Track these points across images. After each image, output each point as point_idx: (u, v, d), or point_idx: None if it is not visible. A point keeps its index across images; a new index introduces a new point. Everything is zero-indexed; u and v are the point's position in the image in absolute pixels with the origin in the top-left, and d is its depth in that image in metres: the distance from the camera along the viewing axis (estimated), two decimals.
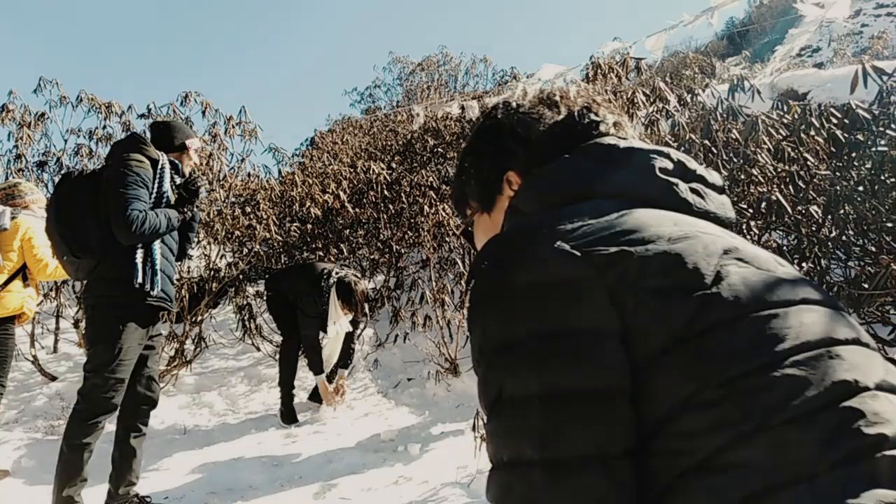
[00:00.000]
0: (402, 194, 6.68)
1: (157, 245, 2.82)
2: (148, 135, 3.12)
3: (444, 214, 5.83)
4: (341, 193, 6.42)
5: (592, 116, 0.92)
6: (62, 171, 5.58)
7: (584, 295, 0.64)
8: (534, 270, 0.67)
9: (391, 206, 6.66)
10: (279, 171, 7.81)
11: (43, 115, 5.61)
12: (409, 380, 5.16)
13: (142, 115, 5.83)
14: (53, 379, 4.90)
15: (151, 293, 2.75)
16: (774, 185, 2.28)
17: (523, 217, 0.85)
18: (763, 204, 1.94)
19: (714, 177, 0.88)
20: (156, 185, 2.84)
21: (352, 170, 7.82)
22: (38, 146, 5.66)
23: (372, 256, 6.61)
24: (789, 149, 2.39)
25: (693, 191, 0.83)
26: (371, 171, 6.84)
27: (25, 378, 4.93)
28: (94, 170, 2.97)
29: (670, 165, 0.83)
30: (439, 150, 8.60)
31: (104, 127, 5.74)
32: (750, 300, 0.63)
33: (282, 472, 3.47)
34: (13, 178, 5.37)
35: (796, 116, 2.36)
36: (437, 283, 5.75)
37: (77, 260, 2.79)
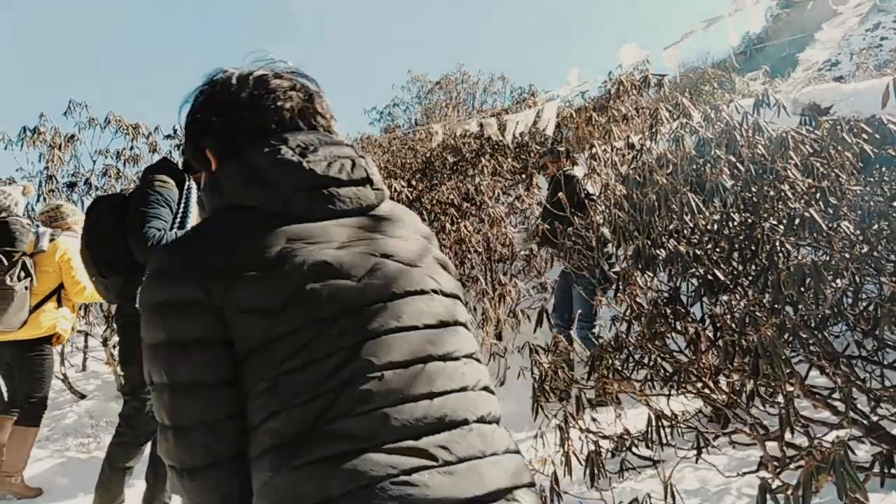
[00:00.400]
0: (424, 212, 6.71)
1: None
2: (178, 157, 3.21)
3: (465, 231, 5.85)
4: None
5: (285, 114, 1.01)
6: (91, 192, 5.71)
7: (195, 313, 0.86)
8: (164, 292, 0.88)
9: None
10: None
11: (73, 136, 5.76)
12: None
13: (168, 136, 5.96)
14: (83, 397, 4.96)
15: None
16: (804, 202, 2.26)
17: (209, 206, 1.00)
18: (797, 221, 1.94)
19: (356, 172, 0.98)
20: (181, 206, 2.85)
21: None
22: (67, 167, 5.80)
23: None
24: (818, 164, 2.38)
25: (323, 197, 0.94)
26: (392, 189, 6.89)
27: (56, 396, 4.99)
28: (123, 192, 3.01)
29: (308, 177, 0.94)
30: (459, 167, 8.65)
31: (131, 148, 5.87)
32: (308, 315, 0.85)
33: None
34: (45, 199, 5.51)
35: (825, 132, 2.35)
36: None
37: (105, 280, 2.81)
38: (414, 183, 7.62)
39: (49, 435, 4.34)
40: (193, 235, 0.94)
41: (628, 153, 3.54)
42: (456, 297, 1.02)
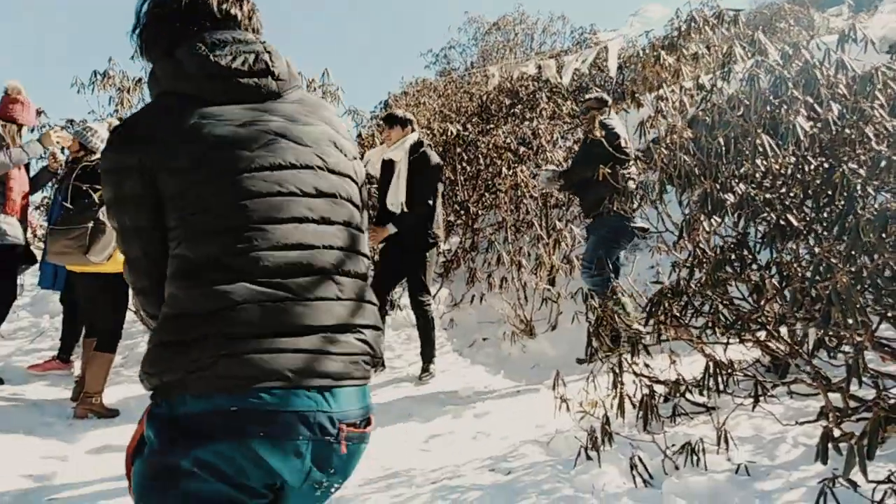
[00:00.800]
0: (479, 156, 6.64)
1: None
2: None
3: (521, 176, 5.77)
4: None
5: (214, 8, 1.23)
6: None
7: (132, 175, 1.09)
8: (110, 160, 1.14)
9: (468, 168, 6.65)
10: (359, 134, 7.91)
11: (140, 80, 5.88)
12: (484, 339, 5.23)
13: None
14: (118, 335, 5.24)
15: None
16: (889, 144, 2.13)
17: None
18: (882, 164, 1.83)
19: (257, 65, 1.19)
20: None
21: (428, 132, 7.83)
22: (135, 109, 5.96)
23: (448, 218, 6.65)
24: None
25: (227, 84, 1.16)
26: (448, 133, 6.83)
27: (128, 326, 5.30)
28: None
29: (213, 67, 1.15)
30: (515, 110, 8.46)
31: None
32: (209, 175, 1.08)
33: None
34: None
35: None
36: (513, 245, 5.74)
37: None
38: (470, 127, 7.51)
39: (123, 363, 4.63)
40: (133, 117, 1.19)
41: (697, 94, 3.37)
42: (346, 175, 1.24)
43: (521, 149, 6.38)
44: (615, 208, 3.99)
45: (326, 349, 1.07)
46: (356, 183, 1.27)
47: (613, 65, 4.35)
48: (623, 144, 4.29)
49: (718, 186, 2.43)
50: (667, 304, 2.71)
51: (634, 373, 2.78)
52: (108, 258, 3.46)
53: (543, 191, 5.75)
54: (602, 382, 2.91)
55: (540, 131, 6.52)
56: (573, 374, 4.11)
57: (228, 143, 1.10)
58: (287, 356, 1.03)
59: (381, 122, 4.94)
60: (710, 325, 2.65)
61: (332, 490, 1.14)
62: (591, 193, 4.26)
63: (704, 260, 2.54)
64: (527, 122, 7.50)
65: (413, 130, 4.52)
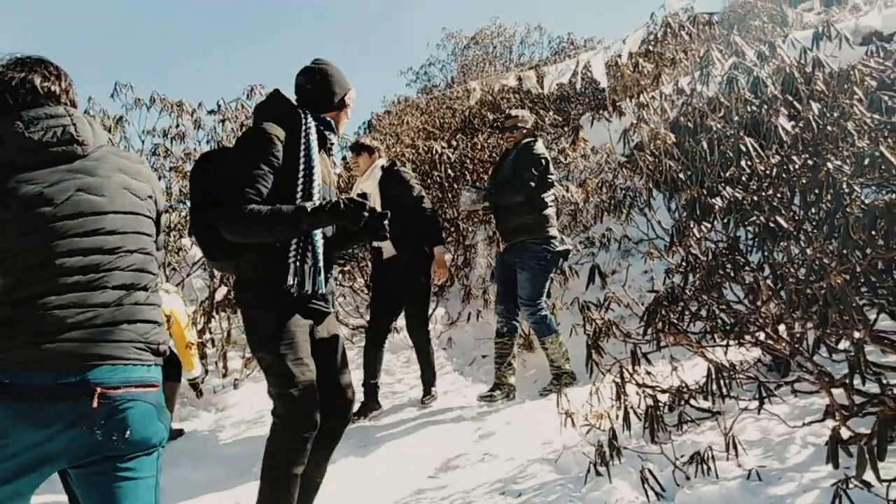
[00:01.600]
0: (466, 172, 6.65)
1: (318, 234, 2.34)
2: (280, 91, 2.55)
3: None
4: None
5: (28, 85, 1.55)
6: None
7: None
8: None
9: (456, 185, 6.65)
10: (343, 157, 7.91)
11: (121, 118, 5.86)
12: (483, 356, 5.20)
13: (211, 112, 6.01)
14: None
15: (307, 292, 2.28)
16: (871, 139, 2.13)
17: None
18: (866, 161, 1.83)
19: (64, 136, 1.53)
20: (301, 159, 2.32)
21: (413, 150, 7.84)
22: (118, 147, 5.93)
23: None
24: (886, 98, 2.23)
25: (39, 154, 1.50)
26: (433, 151, 6.84)
27: None
28: (223, 147, 2.71)
29: (28, 142, 1.48)
30: (499, 123, 8.50)
31: (177, 125, 5.95)
32: (22, 226, 1.43)
33: (367, 452, 3.57)
34: None
35: (894, 62, 2.19)
36: None
37: (215, 263, 2.49)
38: (455, 143, 7.53)
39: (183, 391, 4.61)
40: None
41: (678, 99, 3.39)
42: (137, 213, 1.62)
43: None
44: (541, 234, 4.06)
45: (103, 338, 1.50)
46: (149, 216, 1.67)
47: (602, 77, 4.36)
48: (549, 171, 4.21)
49: (705, 191, 2.43)
50: (663, 312, 2.70)
51: (637, 383, 2.76)
52: None
53: (463, 211, 5.60)
54: (606, 393, 2.88)
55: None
56: (575, 385, 4.09)
57: (38, 202, 1.46)
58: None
59: (350, 151, 4.94)
60: (708, 330, 2.64)
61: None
62: (512, 219, 4.16)
63: (697, 265, 2.53)
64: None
65: (380, 157, 4.46)
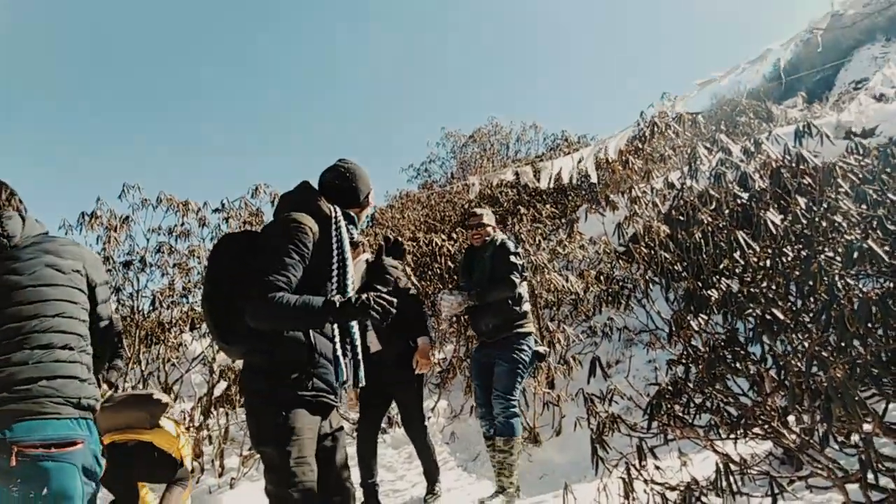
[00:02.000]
0: None
1: (354, 326, 2.38)
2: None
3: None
4: (406, 268, 6.52)
5: None
6: (146, 269, 5.92)
7: None
8: None
9: (456, 277, 6.71)
10: None
11: (127, 218, 6.00)
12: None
13: (216, 210, 6.18)
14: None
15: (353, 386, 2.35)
16: (860, 231, 2.19)
17: None
18: (855, 254, 1.88)
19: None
20: (334, 255, 2.36)
21: (414, 243, 7.98)
22: (123, 247, 6.03)
23: (440, 328, 6.63)
24: (871, 192, 2.31)
25: None
26: (434, 244, 6.95)
27: None
28: (248, 231, 2.56)
29: None
30: (497, 216, 8.70)
31: (182, 224, 6.10)
32: None
33: None
34: None
35: (875, 158, 2.29)
36: None
37: (227, 347, 2.37)
38: (455, 236, 7.67)
39: None
40: None
41: (669, 193, 3.51)
42: (56, 285, 1.89)
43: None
44: (523, 329, 3.98)
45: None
46: (74, 287, 1.93)
47: (593, 173, 4.51)
48: (521, 267, 4.13)
49: (700, 283, 2.47)
50: (668, 405, 2.67)
51: (645, 480, 2.68)
52: None
53: (447, 316, 5.43)
54: (614, 490, 2.79)
55: (522, 235, 6.66)
56: (582, 481, 3.95)
57: None
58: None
59: None
60: (715, 423, 2.59)
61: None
62: (493, 315, 4.01)
63: (698, 357, 2.53)
64: (509, 227, 7.69)
65: (364, 251, 4.46)
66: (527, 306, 4.10)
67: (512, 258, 4.03)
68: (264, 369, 2.24)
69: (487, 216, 4.32)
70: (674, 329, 2.65)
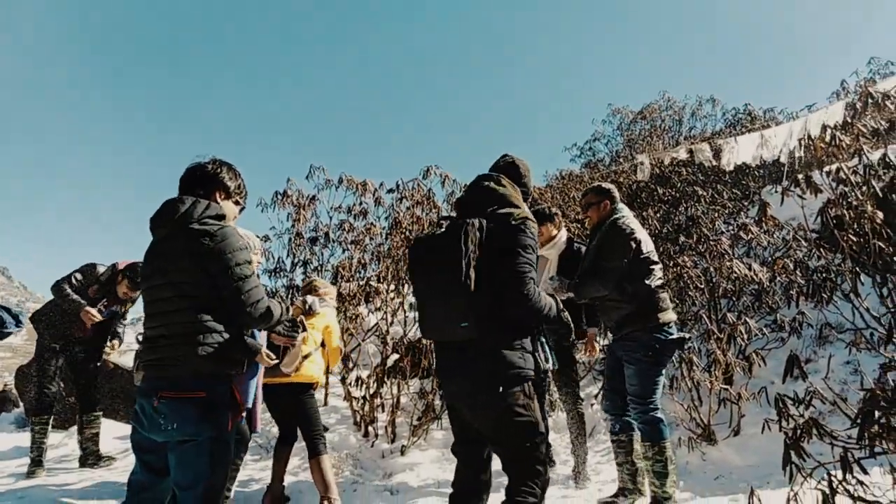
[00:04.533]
0: None
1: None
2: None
3: (684, 266, 5.50)
4: None
5: None
6: (329, 244, 6.42)
7: None
8: None
9: None
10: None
11: (314, 197, 6.55)
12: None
13: (390, 191, 6.51)
14: (325, 430, 5.50)
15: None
16: None
17: None
18: None
19: None
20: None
21: (578, 225, 7.81)
22: (310, 223, 6.60)
23: None
24: None
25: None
26: None
27: None
28: (489, 217, 2.46)
29: None
30: (669, 197, 8.21)
31: (360, 203, 6.52)
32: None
33: None
34: (293, 252, 6.36)
35: None
36: None
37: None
38: None
39: (300, 464, 4.87)
40: None
41: (884, 173, 3.06)
42: (183, 284, 2.20)
43: (682, 238, 6.12)
44: (649, 322, 3.43)
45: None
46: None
47: (785, 150, 4.08)
48: (644, 249, 3.50)
49: None
50: (879, 414, 2.36)
51: (850, 495, 2.41)
52: (295, 370, 3.79)
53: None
54: (808, 501, 2.54)
55: (699, 218, 6.25)
56: (765, 486, 3.66)
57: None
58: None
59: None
60: None
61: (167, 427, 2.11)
62: (612, 311, 3.56)
63: None
64: (682, 210, 7.24)
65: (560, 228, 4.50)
66: (657, 294, 3.50)
67: (616, 246, 3.45)
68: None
69: (597, 193, 3.78)
70: (894, 329, 2.32)
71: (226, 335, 2.22)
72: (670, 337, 3.46)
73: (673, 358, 4.77)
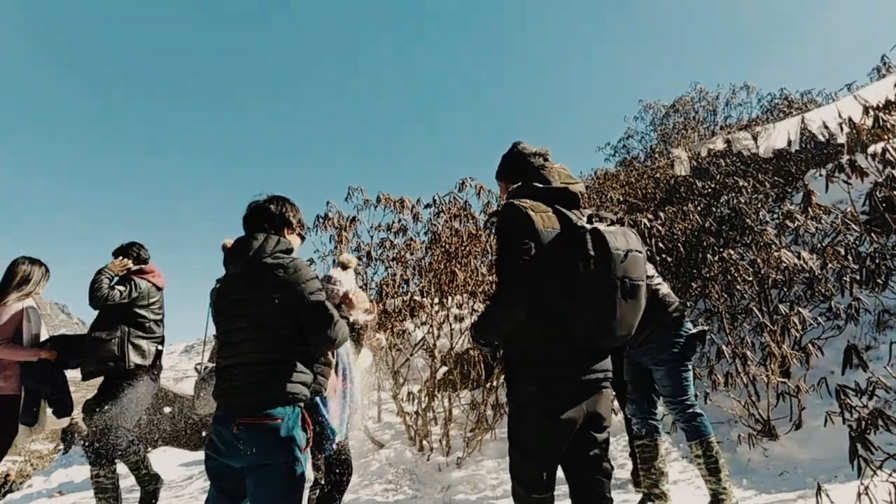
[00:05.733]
0: (678, 244, 6.38)
1: None
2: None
3: (730, 260, 5.41)
4: None
5: None
6: (372, 263, 6.52)
7: None
8: None
9: (668, 258, 6.40)
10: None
11: (354, 218, 6.66)
12: (718, 443, 4.76)
13: (427, 206, 6.58)
14: (381, 446, 5.57)
15: None
16: None
17: None
18: None
19: None
20: None
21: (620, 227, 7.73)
22: (351, 244, 6.71)
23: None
24: None
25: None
26: (640, 224, 6.69)
27: (360, 445, 5.71)
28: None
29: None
30: (708, 190, 8.07)
31: (399, 220, 6.60)
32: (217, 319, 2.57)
33: None
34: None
35: None
36: (731, 335, 5.29)
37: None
38: (661, 214, 7.29)
39: (360, 481, 4.94)
40: None
41: None
42: (257, 316, 2.31)
43: (724, 230, 6.01)
44: (664, 321, 3.38)
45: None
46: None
47: (827, 132, 3.99)
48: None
49: None
50: None
51: None
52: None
53: None
54: (880, 495, 2.48)
55: (742, 209, 6.13)
56: (833, 481, 3.56)
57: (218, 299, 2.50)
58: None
59: None
60: None
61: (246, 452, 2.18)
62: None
63: None
64: (724, 201, 7.11)
65: None
66: (663, 290, 3.49)
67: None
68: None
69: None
70: None
71: (297, 363, 2.33)
72: (690, 331, 3.46)
73: (724, 353, 4.67)
